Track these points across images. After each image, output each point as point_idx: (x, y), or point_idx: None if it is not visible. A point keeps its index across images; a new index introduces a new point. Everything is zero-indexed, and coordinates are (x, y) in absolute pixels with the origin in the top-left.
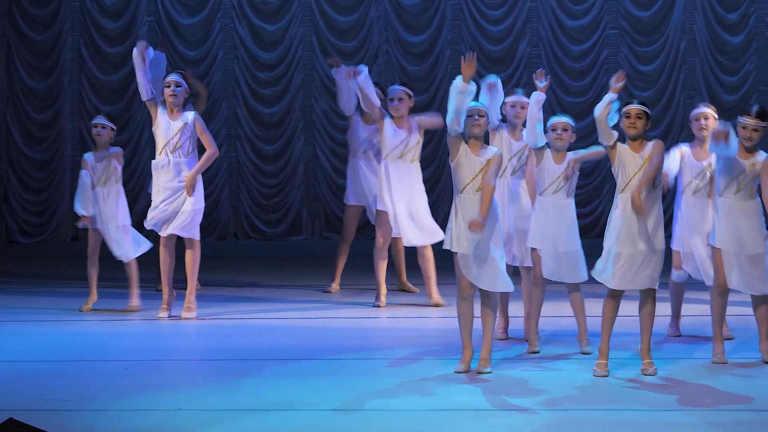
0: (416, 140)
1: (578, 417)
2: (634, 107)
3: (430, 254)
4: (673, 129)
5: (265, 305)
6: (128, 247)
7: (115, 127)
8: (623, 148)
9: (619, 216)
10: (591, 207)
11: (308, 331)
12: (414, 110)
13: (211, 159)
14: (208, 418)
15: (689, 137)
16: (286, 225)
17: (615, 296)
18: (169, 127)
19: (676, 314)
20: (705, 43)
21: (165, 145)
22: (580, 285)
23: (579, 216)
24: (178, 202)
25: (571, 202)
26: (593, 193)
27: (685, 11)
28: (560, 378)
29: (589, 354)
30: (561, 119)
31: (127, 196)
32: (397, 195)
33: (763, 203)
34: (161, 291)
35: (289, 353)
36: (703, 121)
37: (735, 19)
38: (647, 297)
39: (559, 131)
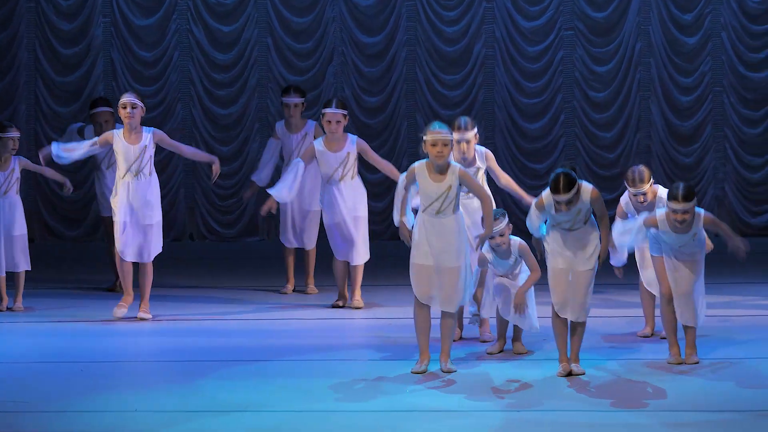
0: (354, 158)
1: (535, 418)
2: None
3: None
4: (627, 131)
5: (221, 306)
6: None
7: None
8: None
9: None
10: None
11: (264, 333)
12: (370, 111)
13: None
14: (164, 420)
15: (644, 137)
16: (241, 226)
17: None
18: (129, 151)
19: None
20: (660, 44)
21: (127, 170)
22: None
23: None
24: (141, 224)
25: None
26: None
27: (641, 12)
28: (518, 379)
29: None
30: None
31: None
32: (338, 211)
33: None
34: (115, 291)
35: (244, 354)
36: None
37: (690, 19)
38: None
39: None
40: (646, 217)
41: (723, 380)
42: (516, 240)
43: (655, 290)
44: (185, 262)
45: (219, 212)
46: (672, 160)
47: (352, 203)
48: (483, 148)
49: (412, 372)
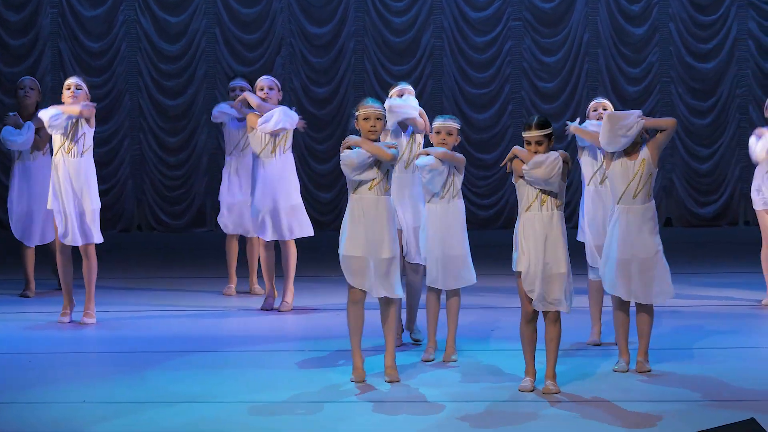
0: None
1: (483, 409)
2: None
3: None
4: (575, 122)
5: (168, 298)
6: None
7: None
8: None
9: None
10: (494, 199)
11: (211, 324)
12: (318, 102)
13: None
14: (113, 411)
15: None
16: (190, 217)
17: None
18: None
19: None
20: (608, 35)
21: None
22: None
23: (483, 208)
24: (76, 205)
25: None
26: (497, 186)
27: (588, 3)
28: (470, 373)
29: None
30: (446, 123)
31: None
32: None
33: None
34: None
35: (192, 345)
36: (600, 111)
37: (638, 10)
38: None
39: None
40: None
41: (671, 369)
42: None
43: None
44: (133, 253)
45: (167, 203)
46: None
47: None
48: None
49: (351, 380)
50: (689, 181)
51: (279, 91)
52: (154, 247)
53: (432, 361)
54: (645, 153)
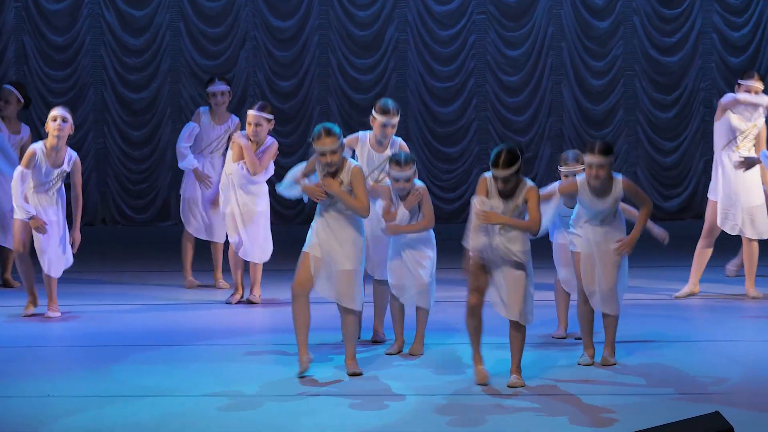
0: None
1: (447, 402)
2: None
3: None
4: (539, 115)
5: (133, 291)
6: None
7: None
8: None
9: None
10: (458, 192)
11: (176, 317)
12: (283, 96)
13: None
14: (78, 405)
15: (556, 121)
16: (154, 211)
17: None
18: (50, 173)
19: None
20: (572, 28)
21: (40, 184)
22: None
23: (447, 201)
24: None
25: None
26: (461, 179)
27: None
28: (435, 366)
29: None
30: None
31: None
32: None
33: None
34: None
35: (157, 339)
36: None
37: (602, 4)
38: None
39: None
40: (563, 183)
41: (636, 363)
42: (419, 183)
43: (571, 289)
44: (97, 246)
45: (131, 197)
46: (584, 144)
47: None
48: (399, 139)
49: (298, 375)
50: (653, 175)
51: (269, 122)
52: (119, 241)
53: (396, 354)
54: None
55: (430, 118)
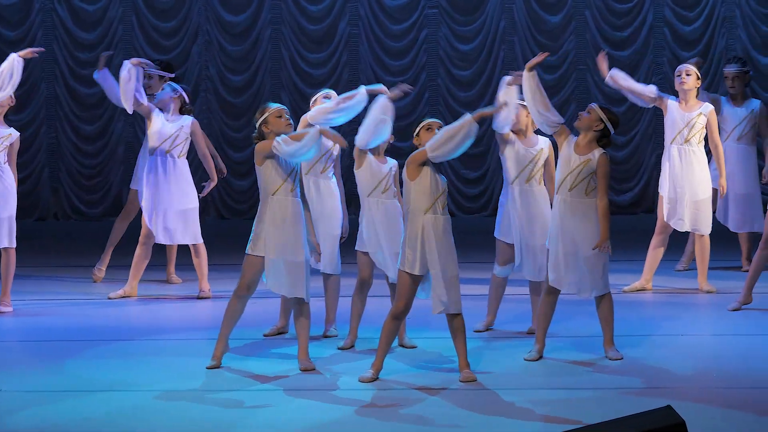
0: (185, 136)
1: (403, 396)
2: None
3: (203, 250)
4: None
5: (85, 286)
6: None
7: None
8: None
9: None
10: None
11: (130, 312)
12: (235, 90)
13: None
14: (32, 399)
15: None
16: (106, 205)
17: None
18: None
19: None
20: (524, 22)
21: None
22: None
23: None
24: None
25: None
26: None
27: None
28: (388, 361)
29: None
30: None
31: None
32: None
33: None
34: None
35: (109, 334)
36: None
37: None
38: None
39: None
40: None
41: (588, 358)
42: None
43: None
44: (50, 241)
45: (84, 191)
46: None
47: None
48: None
49: (207, 368)
50: None
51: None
52: (71, 236)
53: (348, 348)
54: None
55: None
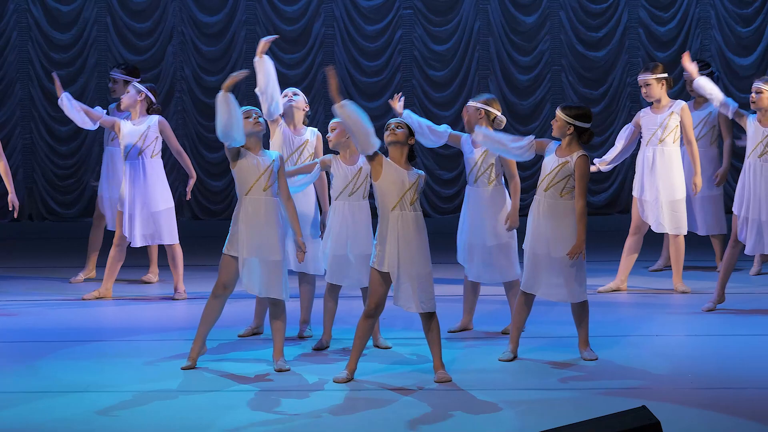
0: (154, 135)
1: (377, 396)
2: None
3: (179, 251)
4: None
5: (60, 287)
6: None
7: None
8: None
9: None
10: None
11: (104, 313)
12: (210, 91)
13: None
14: (4, 401)
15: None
16: (81, 206)
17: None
18: None
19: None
20: (499, 23)
21: None
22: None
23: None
24: None
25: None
26: None
27: None
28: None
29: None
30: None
31: None
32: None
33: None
34: None
35: (84, 335)
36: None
37: None
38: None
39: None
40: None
41: (563, 358)
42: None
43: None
44: (24, 242)
45: (58, 192)
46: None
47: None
48: (316, 130)
49: (182, 368)
50: None
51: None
52: (45, 237)
53: (323, 349)
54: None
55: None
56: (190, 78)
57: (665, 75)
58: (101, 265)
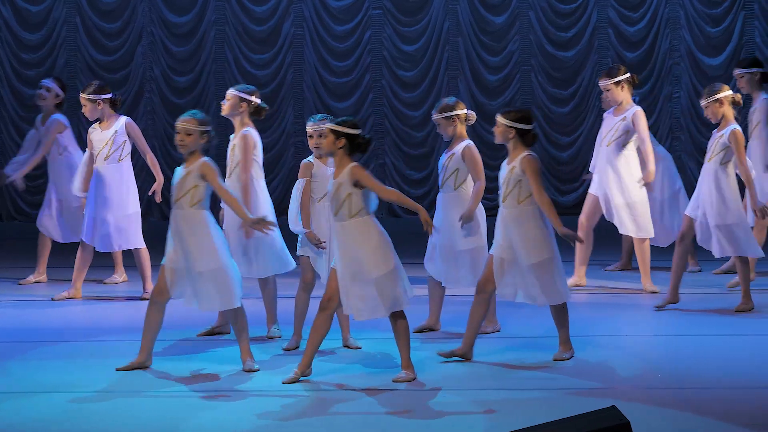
0: (122, 139)
1: (342, 396)
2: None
3: (145, 254)
4: None
5: (30, 287)
6: None
7: None
8: None
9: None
10: None
11: (73, 313)
12: (179, 91)
13: None
14: None
15: None
16: None
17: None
18: None
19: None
20: (468, 23)
21: None
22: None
23: None
24: None
25: None
26: None
27: None
28: (332, 364)
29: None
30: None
31: None
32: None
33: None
34: None
35: (54, 335)
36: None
37: None
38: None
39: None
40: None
41: (533, 358)
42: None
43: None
44: None
45: (28, 193)
46: (480, 138)
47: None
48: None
49: (117, 369)
50: (550, 170)
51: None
52: (15, 237)
53: (294, 349)
54: (518, 162)
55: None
56: (159, 78)
57: (625, 77)
58: (52, 266)
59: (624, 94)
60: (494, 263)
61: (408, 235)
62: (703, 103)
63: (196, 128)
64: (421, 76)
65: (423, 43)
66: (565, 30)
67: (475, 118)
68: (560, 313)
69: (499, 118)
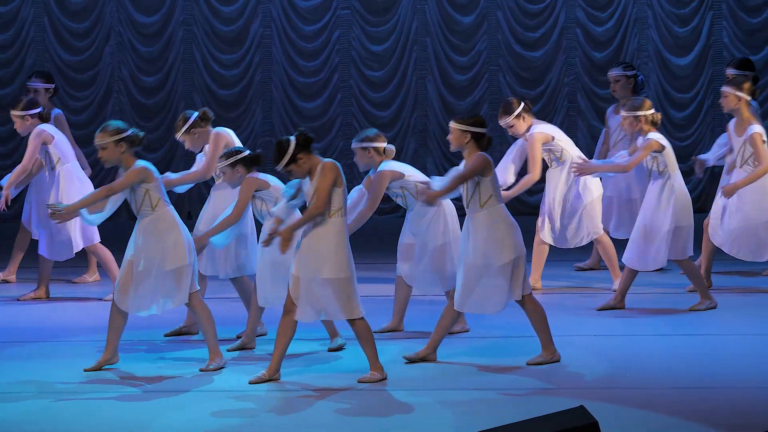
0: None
1: (312, 396)
2: None
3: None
4: (404, 110)
5: (7, 286)
6: None
7: None
8: None
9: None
10: None
11: (40, 313)
12: (147, 91)
13: None
14: None
15: (421, 116)
16: (19, 206)
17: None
18: None
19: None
20: (436, 23)
21: None
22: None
23: None
24: None
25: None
26: None
27: None
28: (304, 364)
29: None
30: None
31: None
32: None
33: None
34: None
35: (21, 335)
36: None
37: None
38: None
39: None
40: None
41: (501, 359)
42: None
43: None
44: None
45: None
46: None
47: None
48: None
49: (85, 370)
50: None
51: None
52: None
53: (251, 349)
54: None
55: (294, 113)
56: (127, 78)
57: (521, 107)
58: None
59: (526, 123)
60: (461, 276)
61: (373, 236)
62: (623, 114)
63: (107, 141)
64: (390, 76)
65: (391, 43)
66: (533, 30)
67: (394, 152)
68: (534, 313)
69: (453, 124)
